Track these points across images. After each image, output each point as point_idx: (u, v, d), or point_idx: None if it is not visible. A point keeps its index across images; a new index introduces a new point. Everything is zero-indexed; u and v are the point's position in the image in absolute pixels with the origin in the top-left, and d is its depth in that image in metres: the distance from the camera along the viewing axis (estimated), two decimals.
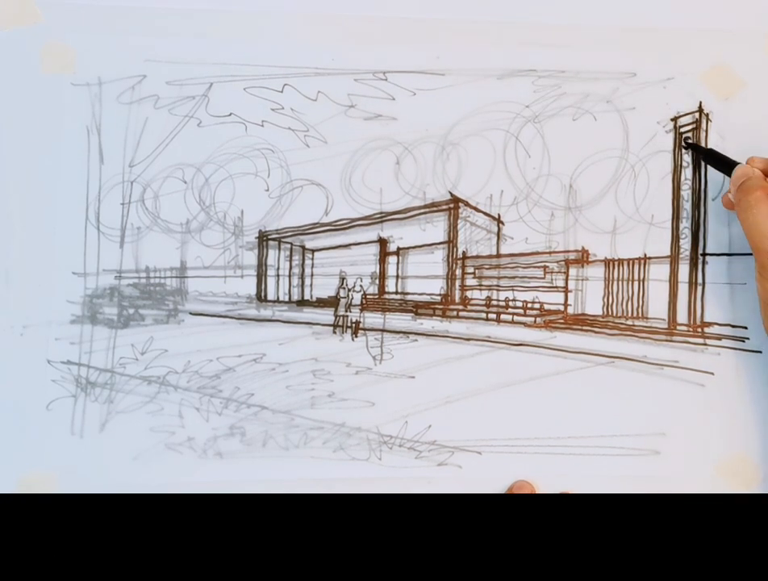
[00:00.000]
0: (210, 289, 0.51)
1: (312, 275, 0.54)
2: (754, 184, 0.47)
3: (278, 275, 0.53)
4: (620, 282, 0.53)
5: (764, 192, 0.46)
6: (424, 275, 0.53)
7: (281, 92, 0.51)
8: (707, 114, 0.52)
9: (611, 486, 0.50)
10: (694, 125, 0.52)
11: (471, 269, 0.54)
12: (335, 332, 0.52)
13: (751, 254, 0.52)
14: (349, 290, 0.53)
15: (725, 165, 0.50)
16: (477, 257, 0.54)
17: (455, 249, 0.53)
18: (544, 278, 0.53)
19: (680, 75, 0.53)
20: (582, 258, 0.52)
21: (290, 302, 0.53)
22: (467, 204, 0.52)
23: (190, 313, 0.51)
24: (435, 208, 0.52)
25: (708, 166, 0.52)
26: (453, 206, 0.52)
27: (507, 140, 0.52)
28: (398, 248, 0.53)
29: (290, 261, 0.53)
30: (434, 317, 0.52)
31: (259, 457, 0.50)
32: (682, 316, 0.52)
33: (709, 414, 0.51)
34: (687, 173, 0.53)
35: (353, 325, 0.52)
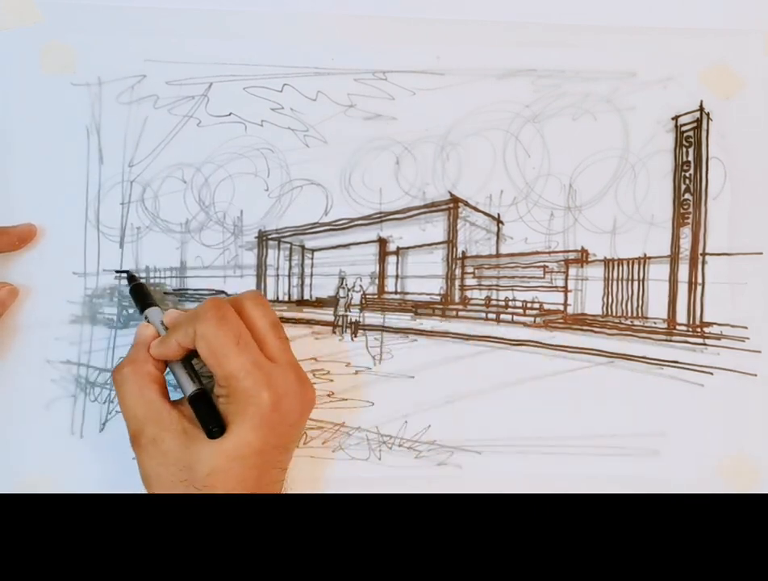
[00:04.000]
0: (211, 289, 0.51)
1: (312, 275, 0.54)
2: (129, 355, 0.44)
3: (278, 275, 0.53)
4: (620, 282, 0.53)
5: (130, 364, 0.42)
6: (424, 275, 0.53)
7: (281, 92, 0.51)
8: (708, 114, 0.52)
9: (611, 486, 0.50)
10: (695, 124, 0.52)
11: (471, 269, 0.54)
12: (334, 332, 0.52)
13: (752, 254, 0.52)
14: (349, 289, 0.53)
15: (142, 302, 0.47)
16: (477, 256, 0.54)
17: (454, 249, 0.53)
18: (543, 278, 0.53)
19: (680, 75, 0.52)
20: (582, 258, 0.52)
21: (289, 301, 0.53)
22: (467, 204, 0.52)
23: None
24: (434, 208, 0.52)
25: (709, 167, 0.52)
26: (453, 206, 0.52)
27: (507, 139, 0.52)
28: (398, 248, 0.53)
29: (290, 260, 0.53)
30: (434, 317, 0.52)
31: None
32: (681, 316, 0.52)
33: (709, 414, 0.51)
34: (687, 173, 0.52)
35: (353, 325, 0.52)
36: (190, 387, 0.43)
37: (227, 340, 0.40)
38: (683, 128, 0.52)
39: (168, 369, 0.45)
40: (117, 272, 0.50)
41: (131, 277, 0.49)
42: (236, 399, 0.41)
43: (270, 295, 0.53)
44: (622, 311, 0.53)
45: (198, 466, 0.40)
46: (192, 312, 0.43)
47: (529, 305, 0.53)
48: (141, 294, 0.48)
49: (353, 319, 0.52)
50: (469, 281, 0.54)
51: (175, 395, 0.45)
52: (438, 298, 0.53)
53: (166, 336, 0.44)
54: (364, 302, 0.53)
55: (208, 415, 0.41)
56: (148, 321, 0.46)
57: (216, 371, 0.41)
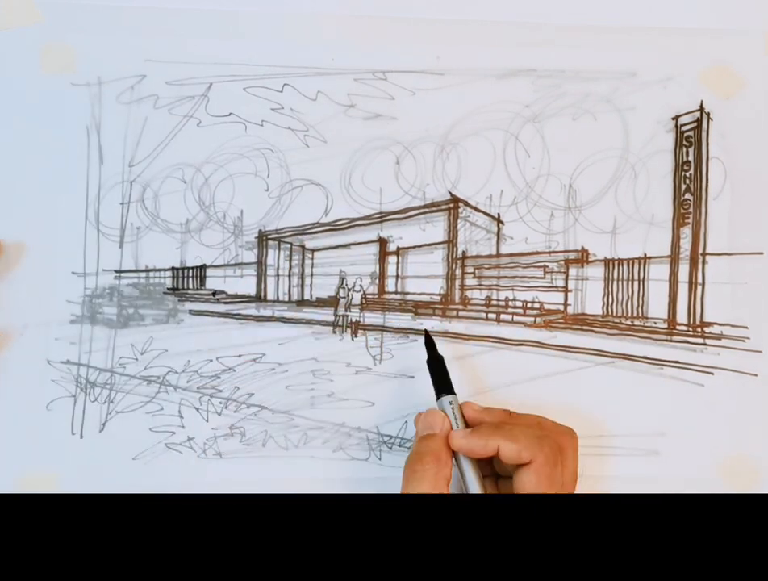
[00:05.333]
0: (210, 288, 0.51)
1: (312, 275, 0.54)
2: (429, 448, 0.41)
3: (278, 275, 0.53)
4: (620, 282, 0.53)
5: (434, 462, 0.40)
6: (424, 275, 0.53)
7: (281, 92, 0.51)
8: (708, 114, 0.52)
9: (610, 486, 0.50)
10: (695, 124, 0.52)
11: (471, 269, 0.54)
12: (334, 332, 0.52)
13: (752, 254, 0.52)
14: (349, 289, 0.53)
15: (439, 385, 0.45)
16: (477, 256, 0.54)
17: (455, 249, 0.53)
18: (543, 278, 0.53)
19: (680, 75, 0.53)
20: (582, 258, 0.52)
21: (289, 302, 0.53)
22: (467, 204, 0.52)
23: (190, 312, 0.51)
24: (434, 208, 0.52)
25: (709, 167, 0.52)
26: (453, 206, 0.52)
27: (507, 139, 0.52)
28: (398, 248, 0.53)
29: (290, 260, 0.53)
30: (434, 317, 0.52)
31: (259, 457, 0.50)
32: (682, 316, 0.52)
33: (709, 414, 0.51)
34: (688, 173, 0.52)
35: (353, 325, 0.52)
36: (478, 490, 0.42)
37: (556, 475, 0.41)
38: (683, 128, 0.52)
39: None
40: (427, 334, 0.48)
41: (431, 344, 0.47)
42: None
43: (270, 295, 0.53)
44: (622, 311, 0.53)
45: None
46: (506, 426, 0.42)
47: (529, 305, 0.53)
48: (441, 375, 0.46)
49: (353, 319, 0.52)
50: (470, 281, 0.54)
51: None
52: (438, 298, 0.53)
53: (478, 435, 0.42)
54: (364, 302, 0.53)
55: None
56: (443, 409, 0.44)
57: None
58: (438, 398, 0.45)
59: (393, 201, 0.52)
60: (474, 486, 0.43)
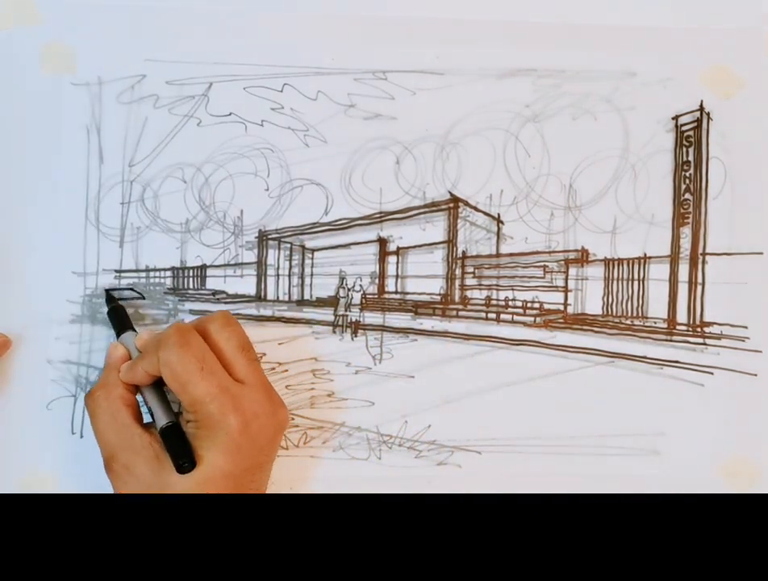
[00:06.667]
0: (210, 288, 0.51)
1: (312, 275, 0.54)
2: (100, 378, 0.44)
3: (278, 275, 0.53)
4: (620, 282, 0.53)
5: (102, 388, 0.43)
6: (424, 275, 0.53)
7: (281, 92, 0.51)
8: (707, 113, 0.52)
9: (610, 486, 0.50)
10: (695, 124, 0.52)
11: (471, 269, 0.54)
12: (334, 332, 0.52)
13: (752, 254, 0.52)
14: (349, 289, 0.53)
15: (119, 327, 0.47)
16: (477, 256, 0.54)
17: (455, 249, 0.53)
18: (543, 278, 0.53)
19: (680, 75, 0.52)
20: (582, 258, 0.52)
21: (289, 301, 0.53)
22: (467, 204, 0.52)
23: (190, 312, 0.51)
24: (434, 208, 0.52)
25: (709, 167, 0.52)
26: (453, 205, 0.52)
27: (507, 139, 0.52)
28: (398, 248, 0.53)
29: (290, 260, 0.53)
30: (434, 317, 0.52)
31: None
32: (681, 316, 0.52)
33: (709, 414, 0.51)
34: (688, 173, 0.52)
35: (353, 325, 0.52)
36: (161, 419, 0.42)
37: (191, 365, 0.40)
38: (683, 128, 0.52)
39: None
40: (107, 291, 0.49)
41: (111, 298, 0.49)
42: (204, 425, 0.40)
43: (270, 295, 0.53)
44: (622, 310, 0.53)
45: (169, 492, 0.40)
46: (157, 338, 0.43)
47: (529, 305, 0.53)
48: (118, 317, 0.48)
49: (353, 319, 0.52)
50: (469, 281, 0.54)
51: (149, 417, 0.44)
52: (438, 298, 0.53)
53: (134, 363, 0.43)
54: (364, 302, 0.53)
55: (178, 450, 0.41)
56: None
57: (181, 398, 0.41)
58: (118, 336, 0.47)
59: (393, 201, 0.52)
60: (158, 415, 0.43)
